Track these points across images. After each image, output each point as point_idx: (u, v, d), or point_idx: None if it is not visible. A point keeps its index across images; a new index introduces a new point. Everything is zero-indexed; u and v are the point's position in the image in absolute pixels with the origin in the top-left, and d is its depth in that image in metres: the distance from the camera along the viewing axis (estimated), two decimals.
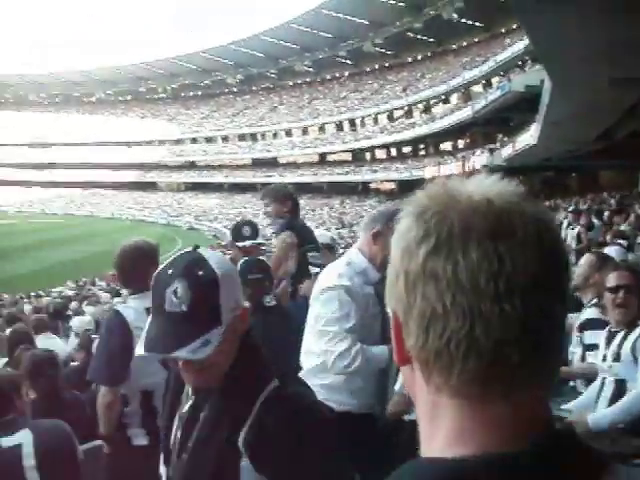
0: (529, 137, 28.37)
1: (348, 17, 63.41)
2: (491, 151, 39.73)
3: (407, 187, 57.39)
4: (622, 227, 10.68)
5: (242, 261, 4.20)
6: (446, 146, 58.10)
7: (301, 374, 3.15)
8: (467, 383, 0.66)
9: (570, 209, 15.34)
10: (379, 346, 3.11)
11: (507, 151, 35.19)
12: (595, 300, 4.20)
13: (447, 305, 0.65)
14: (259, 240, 4.78)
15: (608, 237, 7.89)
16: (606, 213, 15.28)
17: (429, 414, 0.71)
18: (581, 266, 4.48)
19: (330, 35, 68.83)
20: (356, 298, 3.07)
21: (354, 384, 3.14)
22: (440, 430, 0.69)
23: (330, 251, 5.30)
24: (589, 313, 4.19)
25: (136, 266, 3.30)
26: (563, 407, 3.61)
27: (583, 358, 4.06)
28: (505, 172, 41.83)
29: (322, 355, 3.11)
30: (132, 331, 3.04)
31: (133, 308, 3.21)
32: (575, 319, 4.31)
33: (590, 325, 4.04)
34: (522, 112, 35.75)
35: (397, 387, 3.70)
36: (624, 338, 3.47)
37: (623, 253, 7.04)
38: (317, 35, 68.93)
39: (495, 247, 0.65)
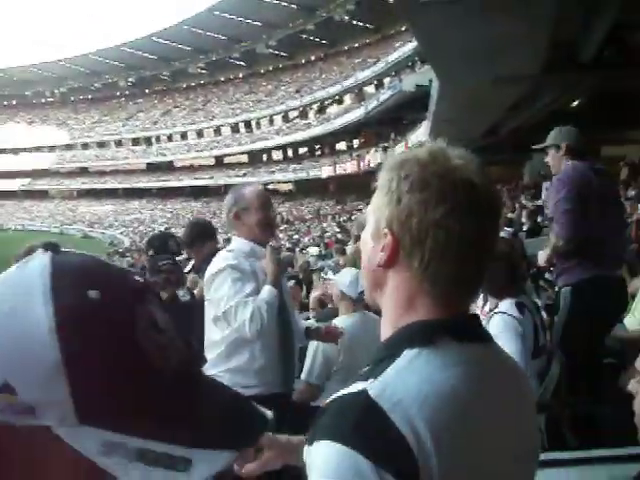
0: (420, 135, 29.30)
1: (241, 19, 63.31)
2: (385, 149, 40.67)
3: (304, 187, 57.99)
4: (509, 215, 11.33)
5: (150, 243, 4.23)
6: (341, 146, 58.93)
7: (205, 367, 3.26)
8: (442, 294, 1.10)
9: None
10: (264, 290, 3.20)
11: (400, 149, 36.12)
12: None
13: (451, 250, 1.06)
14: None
15: None
16: None
17: (404, 307, 1.12)
18: None
19: (223, 37, 68.47)
20: (247, 273, 3.20)
21: (257, 363, 3.23)
22: (414, 315, 1.10)
23: None
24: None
25: None
26: None
27: None
28: None
29: (230, 335, 3.20)
30: None
31: None
32: None
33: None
34: (413, 111, 36.78)
35: (303, 376, 3.89)
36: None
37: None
38: (210, 37, 68.41)
39: (488, 221, 1.10)
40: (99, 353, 0.61)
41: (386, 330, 1.14)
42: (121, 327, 0.63)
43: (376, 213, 1.13)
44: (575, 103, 22.08)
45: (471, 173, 1.07)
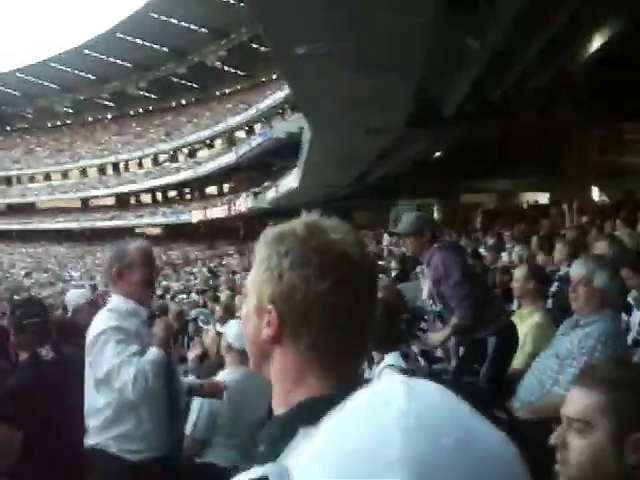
0: (291, 181, 29.77)
1: (111, 59, 62.27)
2: (255, 194, 40.95)
3: (173, 231, 57.15)
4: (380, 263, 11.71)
5: (12, 306, 4.06)
6: (212, 190, 58.62)
7: (88, 435, 3.15)
8: (331, 366, 1.10)
9: None
10: (150, 351, 3.12)
11: (271, 194, 36.53)
12: None
13: (335, 324, 1.09)
14: None
15: None
16: None
17: (294, 383, 1.11)
18: None
19: (92, 76, 66.97)
20: (129, 334, 3.10)
21: (144, 428, 3.13)
22: (304, 390, 1.09)
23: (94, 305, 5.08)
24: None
25: None
26: None
27: None
28: (270, 214, 43.44)
29: (114, 400, 3.08)
30: None
31: None
32: None
33: None
34: (283, 157, 37.40)
35: (188, 431, 3.83)
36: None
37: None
38: (78, 75, 66.68)
39: (368, 292, 1.14)
40: None
41: (278, 405, 1.14)
42: None
43: (258, 289, 1.14)
44: (437, 154, 23.28)
45: (348, 246, 1.11)
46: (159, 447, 3.17)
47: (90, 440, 3.15)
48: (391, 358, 3.59)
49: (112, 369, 2.99)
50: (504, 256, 8.66)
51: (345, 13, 7.53)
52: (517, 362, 4.56)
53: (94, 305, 4.97)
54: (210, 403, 3.80)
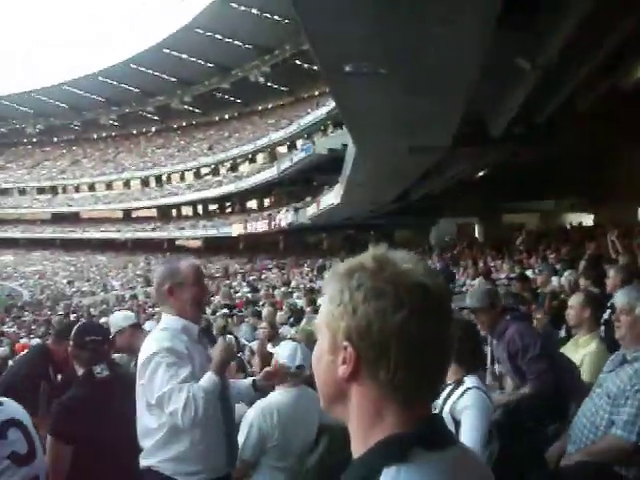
0: (332, 197, 29.76)
1: (156, 73, 63.31)
2: (296, 210, 41.04)
3: (214, 244, 57.59)
4: None
5: (78, 324, 4.10)
6: (252, 204, 59.03)
7: (142, 455, 3.14)
8: (409, 401, 1.10)
9: None
10: (204, 377, 3.08)
11: (312, 210, 36.57)
12: None
13: (414, 357, 1.07)
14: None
15: None
16: None
17: (373, 418, 1.11)
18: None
19: (137, 90, 68.15)
20: (182, 356, 3.07)
21: (199, 449, 3.10)
22: (383, 426, 1.10)
23: (137, 328, 5.12)
24: None
25: None
26: None
27: None
28: (310, 230, 43.56)
29: (168, 422, 3.05)
30: None
31: None
32: None
33: None
34: (324, 173, 37.46)
35: (240, 452, 3.81)
36: (449, 395, 3.65)
37: None
38: (124, 89, 67.93)
39: (444, 324, 1.11)
40: None
41: (357, 445, 1.13)
42: None
43: (331, 326, 1.12)
44: (481, 173, 23.10)
45: (421, 276, 1.09)
46: (215, 468, 3.15)
47: (145, 461, 3.14)
48: (474, 381, 3.61)
49: (163, 395, 2.96)
50: (554, 280, 8.49)
51: (397, 34, 7.53)
52: None
53: (137, 327, 5.00)
54: (259, 425, 3.78)
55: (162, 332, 3.16)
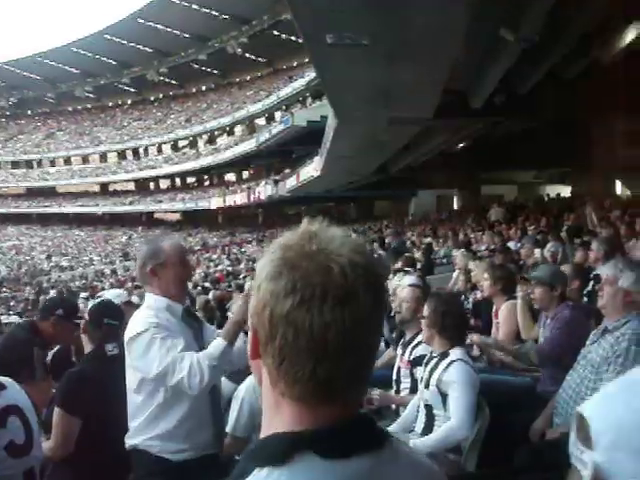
0: (312, 169, 29.71)
1: (132, 44, 62.30)
2: (275, 182, 40.95)
3: (192, 217, 57.36)
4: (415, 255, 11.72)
5: (97, 302, 4.05)
6: (231, 177, 58.77)
7: (128, 435, 3.11)
8: (304, 396, 0.96)
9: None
10: (212, 343, 3.03)
11: (291, 182, 36.51)
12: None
13: (301, 347, 0.93)
14: None
15: (399, 264, 8.54)
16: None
17: (273, 407, 1.01)
18: (408, 300, 4.61)
19: (112, 61, 67.08)
20: (172, 331, 3.04)
21: (187, 426, 3.07)
22: (280, 418, 0.99)
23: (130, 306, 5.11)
24: (420, 350, 4.31)
25: None
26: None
27: (413, 390, 4.25)
28: (289, 202, 43.50)
29: (156, 399, 3.03)
30: None
31: None
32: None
33: (421, 361, 4.15)
34: (303, 145, 37.35)
35: (228, 429, 3.81)
36: (435, 366, 3.73)
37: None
38: (99, 60, 66.74)
39: (342, 312, 0.93)
40: None
41: (261, 434, 1.03)
42: None
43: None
44: (460, 145, 23.16)
45: (334, 258, 0.96)
46: (201, 446, 3.13)
47: (130, 440, 3.13)
48: (459, 353, 3.68)
49: (166, 368, 2.92)
50: (536, 252, 8.53)
51: (378, 2, 7.46)
52: None
53: (129, 305, 5.02)
54: (250, 401, 3.78)
55: (147, 310, 3.12)
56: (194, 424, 3.09)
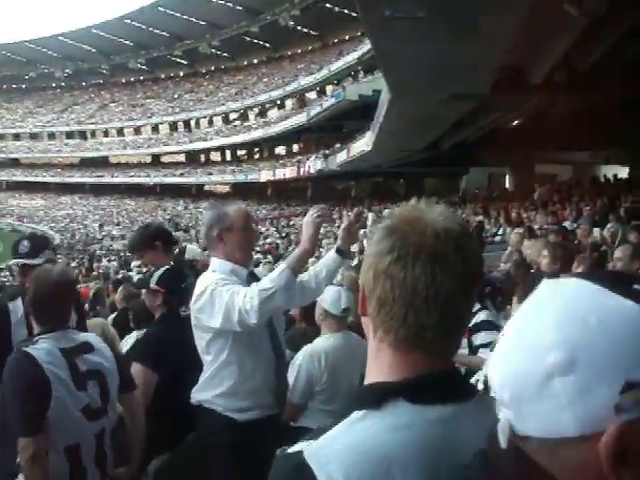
0: (364, 144, 29.53)
1: (185, 17, 62.55)
2: (325, 156, 40.84)
3: (242, 190, 57.67)
4: None
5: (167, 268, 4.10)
6: (280, 150, 58.80)
7: (194, 390, 3.18)
8: (398, 343, 1.09)
9: None
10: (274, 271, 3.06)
11: (341, 157, 36.38)
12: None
13: (395, 297, 1.08)
14: (37, 261, 3.90)
15: None
16: None
17: (373, 354, 1.14)
18: None
19: (166, 33, 67.50)
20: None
21: (250, 384, 3.10)
22: (379, 365, 1.12)
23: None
24: (482, 316, 4.29)
25: (57, 302, 2.85)
26: None
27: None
28: (338, 177, 43.41)
29: (221, 353, 3.07)
30: (47, 376, 2.62)
31: (45, 349, 2.69)
32: None
33: (482, 327, 4.17)
34: (354, 119, 37.15)
35: (289, 395, 3.84)
36: None
37: None
38: (152, 33, 67.29)
39: (432, 268, 1.06)
40: None
41: (365, 382, 1.16)
42: None
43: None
44: (515, 122, 22.74)
45: (430, 223, 1.09)
46: (265, 405, 3.16)
47: (196, 395, 3.19)
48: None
49: (227, 307, 2.90)
50: (595, 232, 8.36)
51: None
52: None
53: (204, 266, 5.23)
54: (308, 368, 3.81)
55: (212, 274, 3.15)
56: (258, 382, 3.11)
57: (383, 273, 1.09)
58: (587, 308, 0.69)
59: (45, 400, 2.58)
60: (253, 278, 3.25)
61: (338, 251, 3.23)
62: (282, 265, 3.01)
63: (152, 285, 3.87)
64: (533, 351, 0.70)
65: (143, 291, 4.08)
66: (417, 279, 1.06)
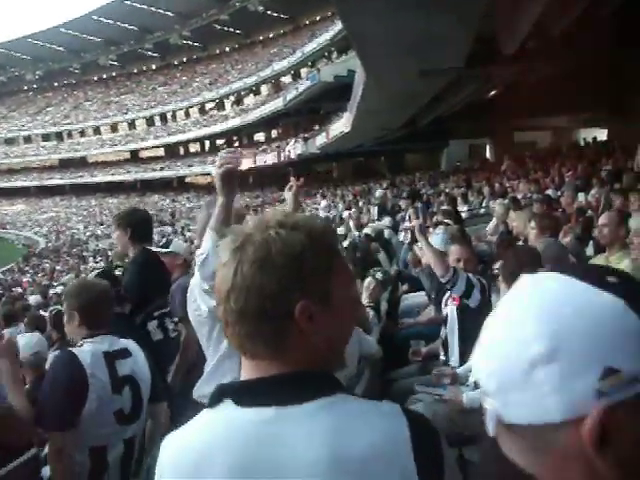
0: (342, 125, 29.46)
1: (152, 8, 61.94)
2: (305, 140, 40.72)
3: None
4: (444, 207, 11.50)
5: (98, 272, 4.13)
6: (259, 137, 58.56)
7: (197, 386, 3.08)
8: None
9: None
10: None
11: (321, 139, 36.28)
12: None
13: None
14: None
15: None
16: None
17: None
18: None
19: (134, 27, 66.84)
20: None
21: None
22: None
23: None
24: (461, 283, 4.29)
25: (103, 309, 3.05)
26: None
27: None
28: (319, 159, 43.30)
29: (220, 346, 2.98)
30: (87, 377, 2.77)
31: (90, 352, 2.87)
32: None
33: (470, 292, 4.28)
34: (331, 101, 37.05)
35: None
36: None
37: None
38: (121, 27, 66.62)
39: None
40: None
41: None
42: None
43: None
44: (492, 93, 22.72)
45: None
46: None
47: (199, 391, 3.17)
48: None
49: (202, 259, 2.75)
50: (580, 197, 8.35)
51: None
52: None
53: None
54: None
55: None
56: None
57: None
58: (564, 301, 0.73)
59: (82, 399, 2.72)
60: None
61: None
62: (207, 230, 2.84)
63: None
64: (517, 343, 0.73)
65: None
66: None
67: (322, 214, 23.62)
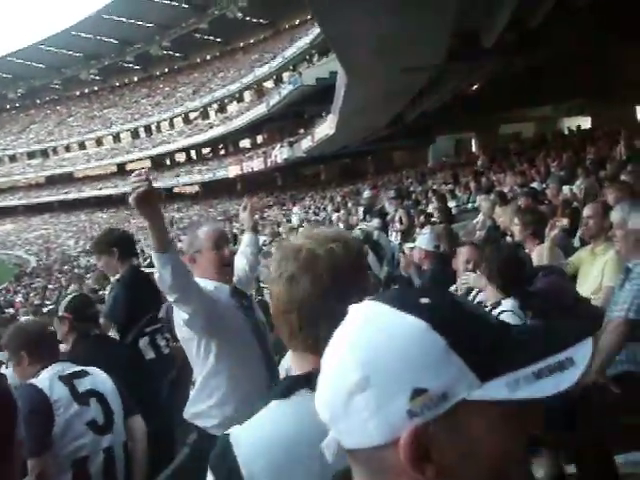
0: (327, 128, 29.40)
1: (131, 21, 61.82)
2: (290, 144, 40.69)
3: (211, 188, 57.29)
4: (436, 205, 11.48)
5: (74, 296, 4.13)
6: (245, 143, 58.51)
7: (188, 404, 3.16)
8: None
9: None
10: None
11: (306, 143, 36.23)
12: None
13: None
14: None
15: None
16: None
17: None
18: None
19: (114, 40, 66.69)
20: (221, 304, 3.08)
21: (241, 390, 3.04)
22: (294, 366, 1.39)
23: None
24: (481, 297, 4.23)
25: (47, 341, 3.15)
26: None
27: None
28: (306, 163, 43.25)
29: (208, 362, 3.09)
30: (48, 398, 2.85)
31: (47, 377, 2.95)
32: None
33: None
34: (315, 104, 37.00)
35: None
36: None
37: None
38: (101, 41, 66.46)
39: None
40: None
41: None
42: None
43: None
44: (475, 87, 22.72)
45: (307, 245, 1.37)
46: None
47: (190, 410, 3.16)
48: (511, 304, 3.60)
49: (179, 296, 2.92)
50: (565, 189, 8.29)
51: None
52: (594, 292, 4.46)
53: None
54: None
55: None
56: (248, 389, 2.98)
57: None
58: (376, 328, 0.77)
59: (49, 420, 2.81)
60: (237, 293, 3.22)
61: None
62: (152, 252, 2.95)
63: (60, 313, 3.91)
64: (336, 374, 0.78)
65: (54, 319, 4.07)
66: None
67: (294, 220, 23.80)
